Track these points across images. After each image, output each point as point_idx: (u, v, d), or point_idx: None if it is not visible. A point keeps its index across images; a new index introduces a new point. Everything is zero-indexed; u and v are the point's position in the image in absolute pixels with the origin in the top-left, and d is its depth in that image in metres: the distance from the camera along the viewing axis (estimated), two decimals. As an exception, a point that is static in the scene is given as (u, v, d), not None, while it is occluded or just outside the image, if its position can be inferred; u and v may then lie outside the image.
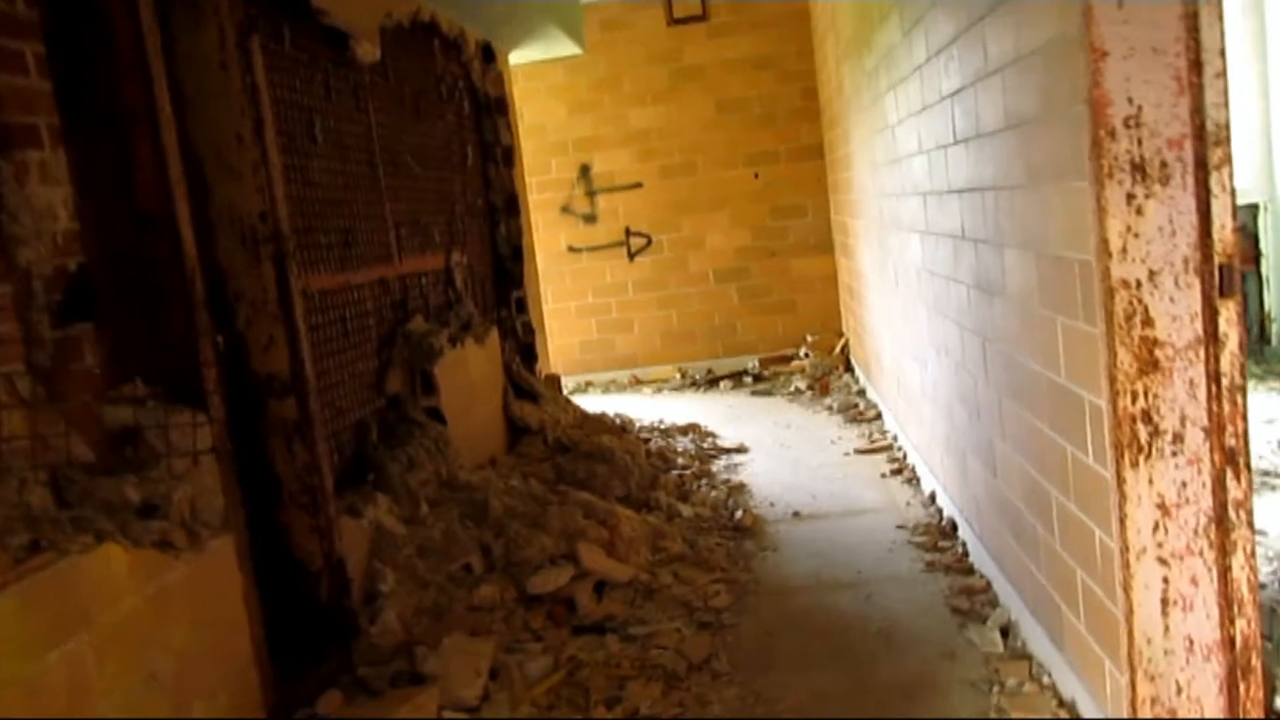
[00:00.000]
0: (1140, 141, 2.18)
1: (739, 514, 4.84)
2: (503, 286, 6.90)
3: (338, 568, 3.51)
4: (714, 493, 5.23)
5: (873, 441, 6.08)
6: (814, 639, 3.53)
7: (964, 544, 4.11)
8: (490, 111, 6.96)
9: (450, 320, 5.48)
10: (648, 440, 6.27)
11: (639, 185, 9.20)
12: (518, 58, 8.18)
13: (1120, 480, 2.27)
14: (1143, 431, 2.24)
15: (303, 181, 4.11)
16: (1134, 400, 2.23)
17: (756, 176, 9.09)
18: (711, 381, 8.73)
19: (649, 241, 9.26)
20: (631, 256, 9.29)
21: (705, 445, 6.37)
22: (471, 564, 3.87)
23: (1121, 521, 2.28)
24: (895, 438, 5.93)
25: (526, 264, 7.18)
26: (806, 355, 8.89)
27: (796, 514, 4.90)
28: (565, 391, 9.09)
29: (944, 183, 3.83)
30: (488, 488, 4.36)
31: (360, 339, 4.50)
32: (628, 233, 9.27)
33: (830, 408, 7.17)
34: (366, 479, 4.10)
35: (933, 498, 4.76)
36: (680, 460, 5.86)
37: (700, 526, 4.72)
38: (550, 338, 9.07)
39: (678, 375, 9.19)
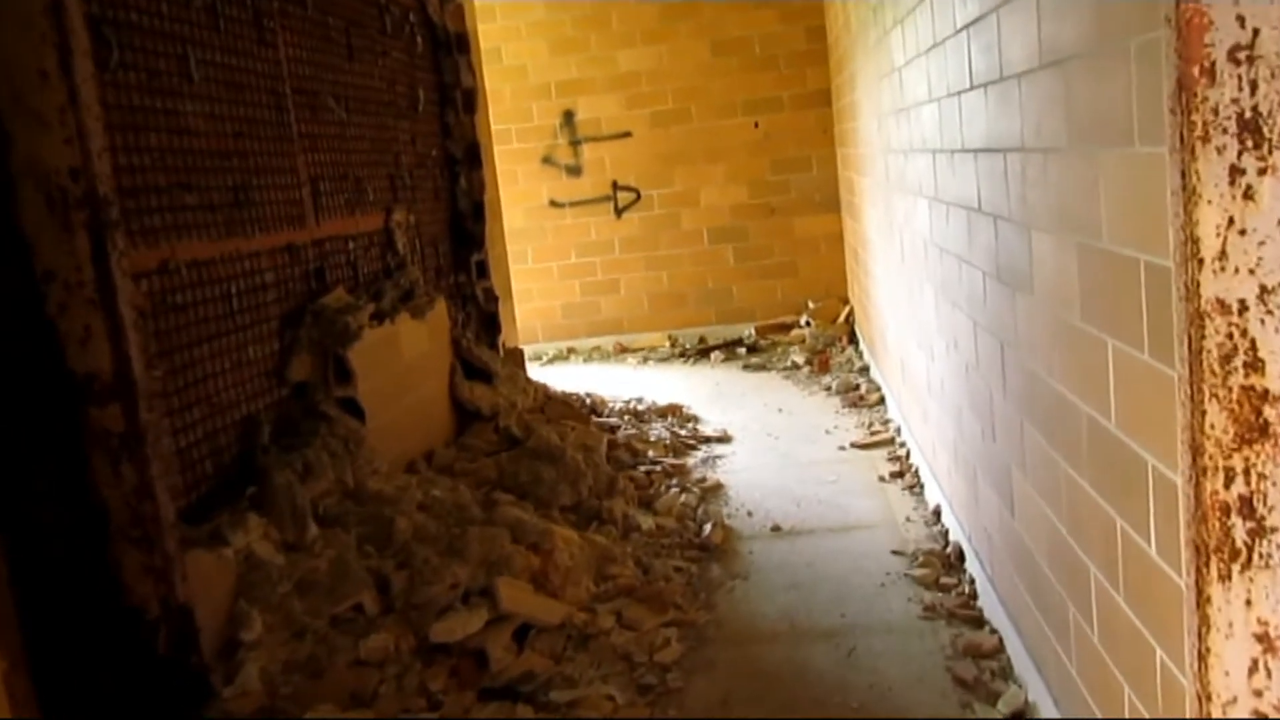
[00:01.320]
0: (1255, 86, 1.40)
1: (708, 528, 4.11)
2: (462, 249, 6.14)
3: (180, 615, 2.80)
4: (684, 497, 4.50)
5: (873, 433, 5.32)
6: (780, 713, 2.82)
7: (972, 581, 3.37)
8: (449, 49, 6.15)
9: (385, 291, 4.73)
10: (617, 429, 5.53)
11: (627, 134, 8.38)
12: None
13: (1202, 596, 1.52)
14: (1240, 529, 1.48)
15: (170, 129, 3.35)
16: (1228, 481, 1.48)
17: (756, 126, 8.25)
18: (702, 352, 7.98)
19: (638, 196, 8.46)
20: (619, 212, 8.50)
21: (684, 432, 5.63)
22: (364, 603, 3.16)
23: (1202, 656, 1.53)
24: (898, 430, 5.18)
25: (492, 222, 6.41)
26: (807, 324, 8.11)
27: (776, 528, 4.17)
28: (545, 360, 8.38)
29: (956, 139, 3.04)
30: (400, 500, 3.63)
31: (254, 318, 3.76)
32: (615, 186, 8.47)
33: (829, 388, 6.41)
34: (246, 493, 3.39)
35: (937, 514, 4.02)
36: (651, 453, 5.13)
37: (661, 544, 4.00)
38: (529, 301, 8.34)
39: (667, 343, 8.43)
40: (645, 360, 8.05)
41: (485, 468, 4.43)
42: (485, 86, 8.29)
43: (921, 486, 4.38)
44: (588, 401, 6.11)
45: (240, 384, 3.64)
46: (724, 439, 5.55)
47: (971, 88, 2.78)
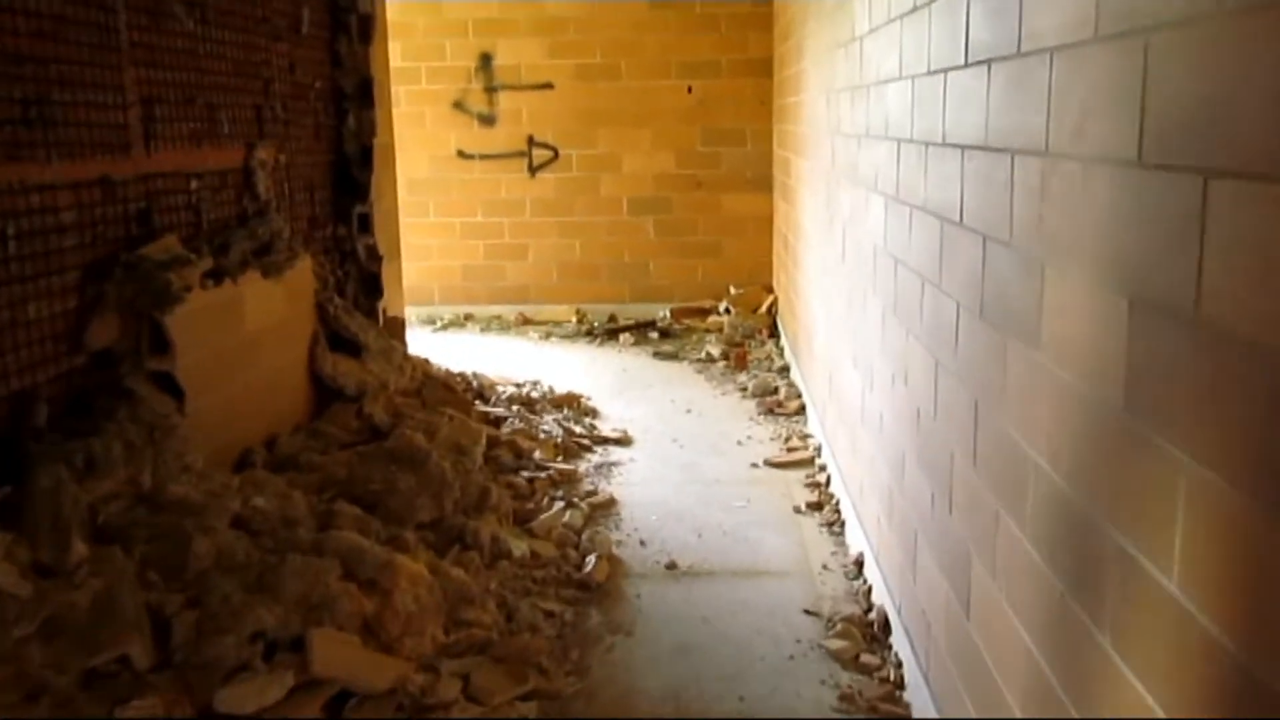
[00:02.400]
0: None
1: (592, 560, 3.47)
2: (344, 198, 5.35)
3: None
4: (569, 514, 3.85)
5: (790, 450, 4.74)
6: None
7: (899, 665, 2.80)
8: (346, -35, 5.32)
9: (233, 242, 3.95)
10: (502, 421, 4.85)
11: (549, 86, 7.62)
12: None
13: None
14: None
15: (-76, 15, 2.54)
16: None
17: (690, 91, 7.57)
18: (611, 333, 7.31)
19: (555, 155, 7.72)
20: (533, 171, 7.75)
21: (579, 430, 4.98)
22: (132, 654, 2.44)
23: None
24: (819, 450, 4.60)
25: (382, 171, 5.63)
26: (727, 311, 7.51)
27: (672, 565, 3.55)
28: (439, 325, 7.64)
29: (935, 128, 2.42)
30: (208, 510, 2.91)
31: (41, 266, 2.97)
32: (530, 142, 7.71)
33: (745, 388, 5.81)
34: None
35: (860, 564, 3.44)
36: (538, 454, 4.46)
37: (533, 578, 3.34)
38: (427, 259, 7.59)
39: (574, 319, 7.74)
40: (548, 336, 7.35)
41: (335, 464, 3.71)
42: (390, 18, 7.46)
43: (843, 525, 3.81)
44: (474, 384, 5.41)
45: (14, 349, 2.87)
46: (623, 441, 4.91)
47: (966, 64, 2.15)
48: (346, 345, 4.70)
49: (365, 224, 5.43)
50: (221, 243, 3.92)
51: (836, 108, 4.05)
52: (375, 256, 5.50)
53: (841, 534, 3.77)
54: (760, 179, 7.63)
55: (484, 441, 4.21)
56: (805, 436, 4.89)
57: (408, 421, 4.16)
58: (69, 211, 3.10)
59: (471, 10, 7.52)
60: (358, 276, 5.48)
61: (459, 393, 4.98)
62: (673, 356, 6.66)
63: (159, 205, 3.58)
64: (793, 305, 6.06)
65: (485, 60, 7.60)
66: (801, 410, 5.29)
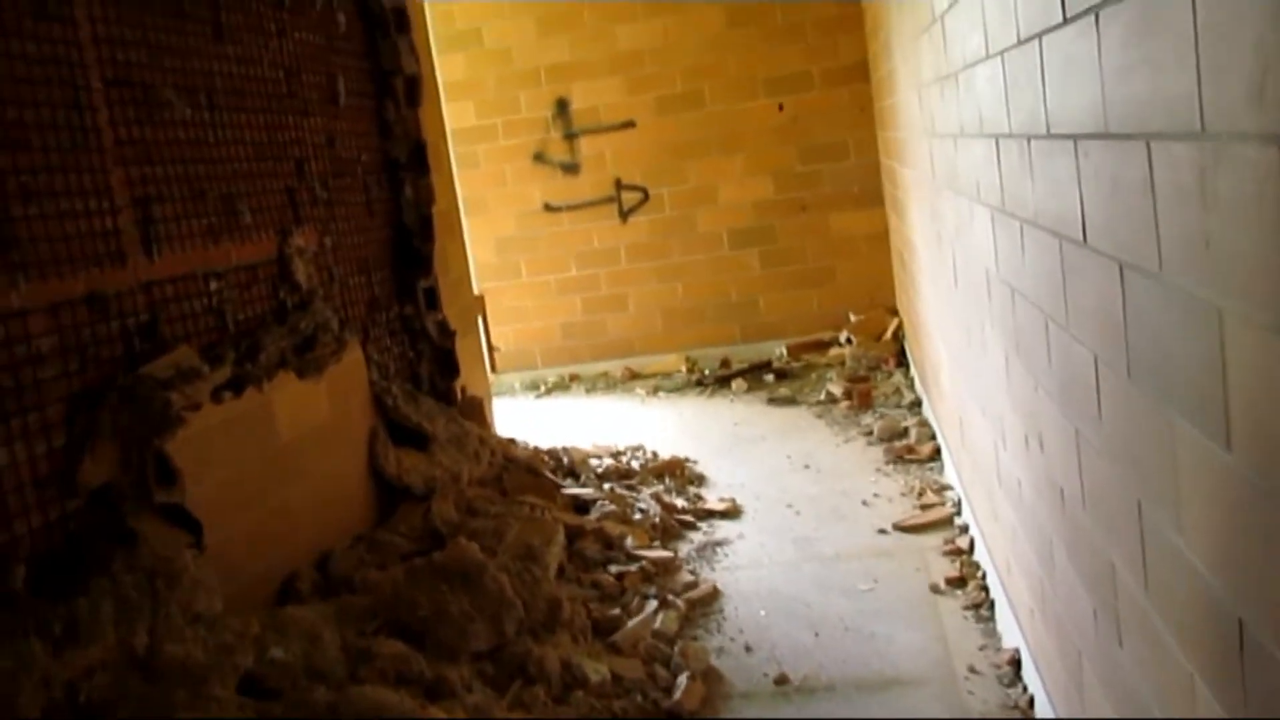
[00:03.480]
0: None
1: (683, 681, 2.89)
2: (408, 273, 4.97)
3: None
4: (661, 616, 3.28)
5: (924, 506, 4.05)
6: None
7: (1074, 820, 2.11)
8: (385, 28, 4.97)
9: (264, 343, 3.57)
10: (591, 504, 4.32)
11: (631, 124, 7.15)
12: None
13: None
14: None
15: None
16: None
17: (781, 108, 6.97)
18: (722, 379, 6.72)
19: (645, 196, 7.23)
20: (624, 215, 7.28)
21: (681, 503, 4.41)
22: None
23: None
24: (958, 506, 3.90)
25: (447, 239, 5.23)
26: (849, 341, 6.82)
27: (782, 680, 2.92)
28: (543, 390, 7.21)
29: (1036, 115, 1.78)
30: (210, 676, 2.47)
31: (12, 405, 2.62)
32: (618, 185, 7.24)
33: (870, 432, 5.13)
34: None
35: (1015, 665, 2.75)
36: (630, 541, 3.91)
37: (611, 710, 2.78)
38: (524, 320, 7.21)
39: (683, 368, 7.19)
40: (656, 390, 6.82)
41: (386, 583, 3.25)
42: (459, 76, 7.15)
43: (991, 606, 3.12)
44: (565, 460, 4.91)
45: (-12, 504, 2.51)
46: (730, 513, 4.32)
47: (1066, 21, 1.52)
48: (411, 437, 4.28)
49: (433, 299, 5.03)
50: (251, 345, 3.54)
51: (929, 104, 3.41)
52: (447, 333, 5.09)
53: (991, 619, 3.08)
54: (869, 192, 6.94)
55: (561, 539, 3.69)
56: (941, 488, 4.19)
57: (472, 522, 3.68)
58: (46, 338, 2.74)
59: (542, 56, 7.13)
60: (431, 356, 5.08)
61: (544, 475, 4.49)
62: (789, 401, 6.02)
63: (168, 314, 3.21)
64: (916, 331, 5.36)
65: (561, 106, 7.19)
66: (936, 454, 4.59)
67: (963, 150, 2.73)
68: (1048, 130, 1.71)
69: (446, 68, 7.19)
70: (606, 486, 4.58)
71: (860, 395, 5.67)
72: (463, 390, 5.14)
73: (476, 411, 4.96)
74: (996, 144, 2.20)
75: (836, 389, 5.96)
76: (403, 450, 4.18)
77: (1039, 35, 1.71)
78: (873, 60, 6.29)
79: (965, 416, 3.47)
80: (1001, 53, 2.02)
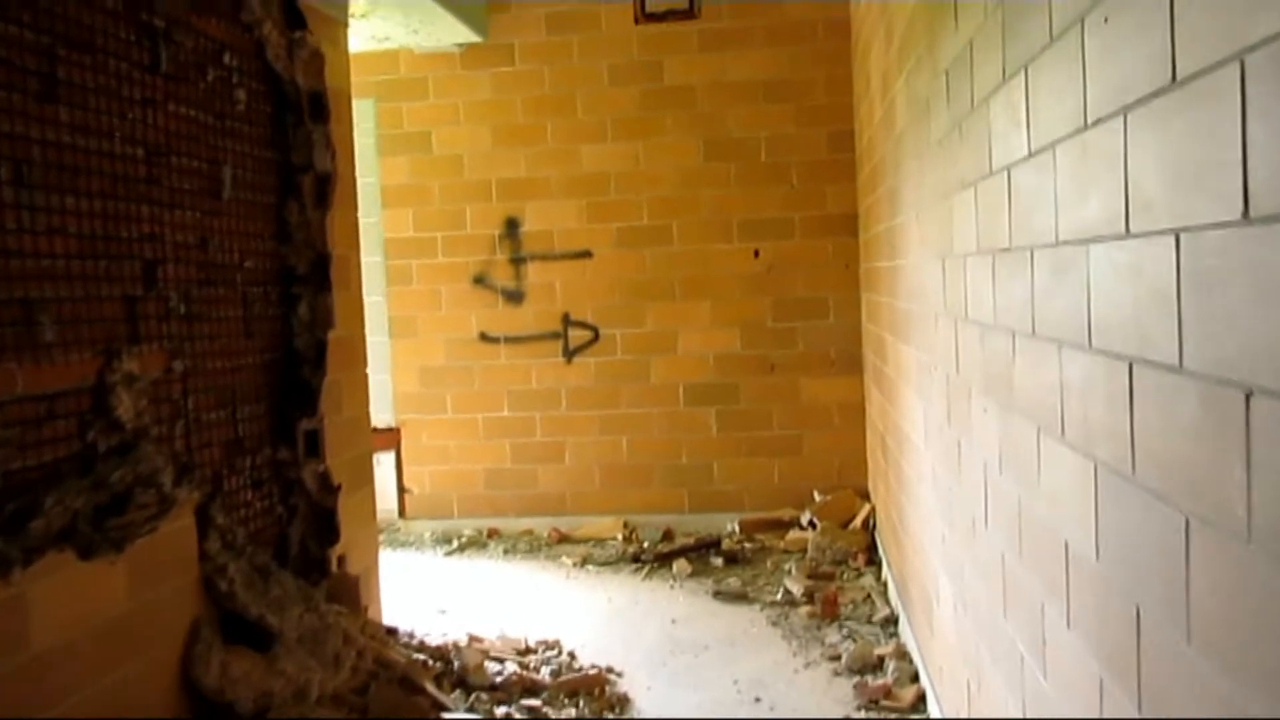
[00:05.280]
0: None
1: None
2: (290, 409, 4.04)
3: None
4: None
5: (906, 790, 3.10)
6: None
7: None
8: (300, 114, 4.15)
9: (46, 505, 2.60)
10: (474, 741, 3.32)
11: (587, 254, 6.36)
12: (376, 41, 5.52)
13: None
14: None
15: None
16: None
17: (757, 255, 6.23)
18: (664, 558, 5.77)
19: (596, 336, 6.40)
20: (569, 355, 6.43)
21: (593, 744, 3.42)
22: None
23: None
24: (953, 800, 2.96)
25: (342, 370, 4.32)
26: (811, 524, 5.94)
27: None
28: (454, 546, 6.21)
29: (1248, 351, 0.93)
30: None
31: None
32: (566, 321, 6.41)
33: (837, 656, 4.20)
34: None
35: None
36: (518, 809, 2.91)
37: None
38: (445, 461, 6.30)
39: (619, 536, 6.24)
40: (585, 562, 5.84)
41: None
42: (404, 180, 6.38)
43: None
44: (455, 663, 3.91)
45: None
46: (656, 768, 3.33)
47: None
48: (252, 632, 3.28)
49: (315, 444, 4.09)
50: (21, 508, 2.58)
51: (960, 279, 2.60)
52: (329, 488, 4.13)
53: None
54: (847, 358, 6.17)
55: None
56: (929, 763, 3.25)
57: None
58: None
59: (495, 169, 6.37)
60: (307, 514, 4.11)
61: (423, 692, 3.48)
62: (740, 597, 5.07)
63: (-116, 467, 2.26)
64: (896, 533, 4.49)
65: (511, 226, 6.40)
66: (921, 701, 3.65)
67: (1032, 356, 1.90)
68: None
69: (388, 171, 6.42)
70: (502, 712, 3.57)
71: (825, 601, 4.74)
72: (340, 561, 4.15)
73: (350, 593, 3.97)
74: (1128, 372, 1.36)
75: (796, 586, 5.04)
76: (236, 652, 3.18)
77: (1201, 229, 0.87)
78: (865, 214, 5.58)
79: (980, 675, 2.57)
80: (1175, 231, 1.19)
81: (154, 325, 3.25)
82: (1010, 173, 2.01)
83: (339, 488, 4.17)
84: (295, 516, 4.06)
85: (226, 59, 3.75)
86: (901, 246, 3.90)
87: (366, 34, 5.57)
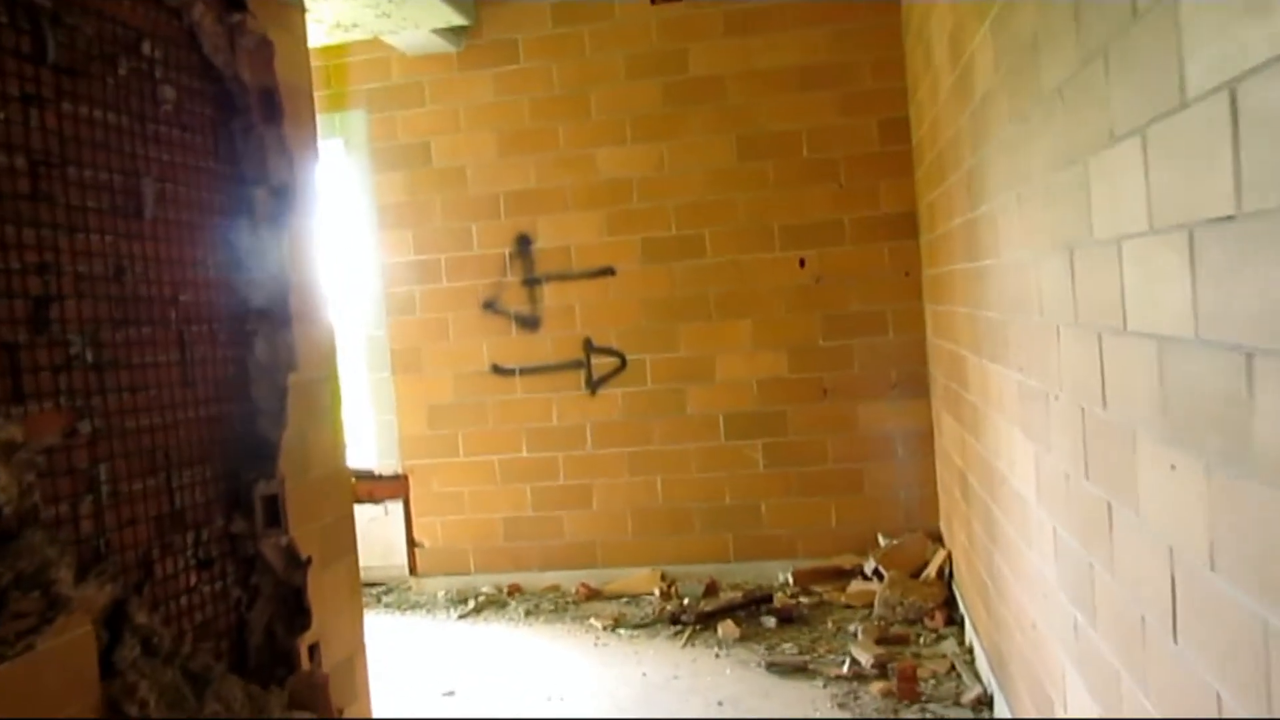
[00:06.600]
0: None
1: None
2: (247, 470, 3.32)
3: None
4: None
5: None
6: None
7: None
8: (248, 117, 3.46)
9: None
10: None
11: (609, 272, 5.63)
12: (343, 30, 4.87)
13: None
14: None
15: None
16: None
17: (803, 265, 5.46)
18: (707, 617, 4.99)
19: (622, 364, 5.65)
20: (593, 386, 5.68)
21: None
22: None
23: None
24: None
25: (309, 422, 3.60)
26: (877, 573, 5.13)
27: None
28: (469, 608, 5.48)
29: None
30: None
31: None
32: (588, 348, 5.68)
33: (921, 751, 3.40)
34: None
35: None
36: None
37: None
38: (459, 511, 5.64)
39: (656, 591, 5.46)
40: (617, 625, 5.06)
41: None
42: (400, 198, 5.71)
43: None
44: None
45: None
46: None
47: None
48: (175, 768, 2.55)
49: (275, 513, 3.37)
50: None
51: (1110, 275, 1.82)
52: (296, 562, 3.40)
53: None
54: (911, 380, 5.37)
55: None
56: None
57: None
58: None
59: (503, 181, 5.67)
60: (273, 595, 3.38)
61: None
62: (798, 670, 4.28)
63: None
64: (986, 595, 3.67)
65: (523, 244, 5.69)
66: (1038, 823, 2.84)
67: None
68: None
69: (383, 188, 5.73)
70: None
71: (902, 677, 3.93)
72: (313, 650, 3.42)
73: (319, 700, 3.23)
74: None
75: (864, 655, 4.23)
76: (149, 796, 2.45)
77: None
78: (928, 211, 4.79)
79: None
80: None
81: (46, 379, 2.53)
82: (1235, 94, 1.24)
83: (308, 562, 3.44)
84: (258, 598, 3.33)
85: (146, 49, 3.04)
86: (988, 243, 3.11)
87: (331, 21, 4.88)
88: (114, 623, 2.61)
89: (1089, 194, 1.89)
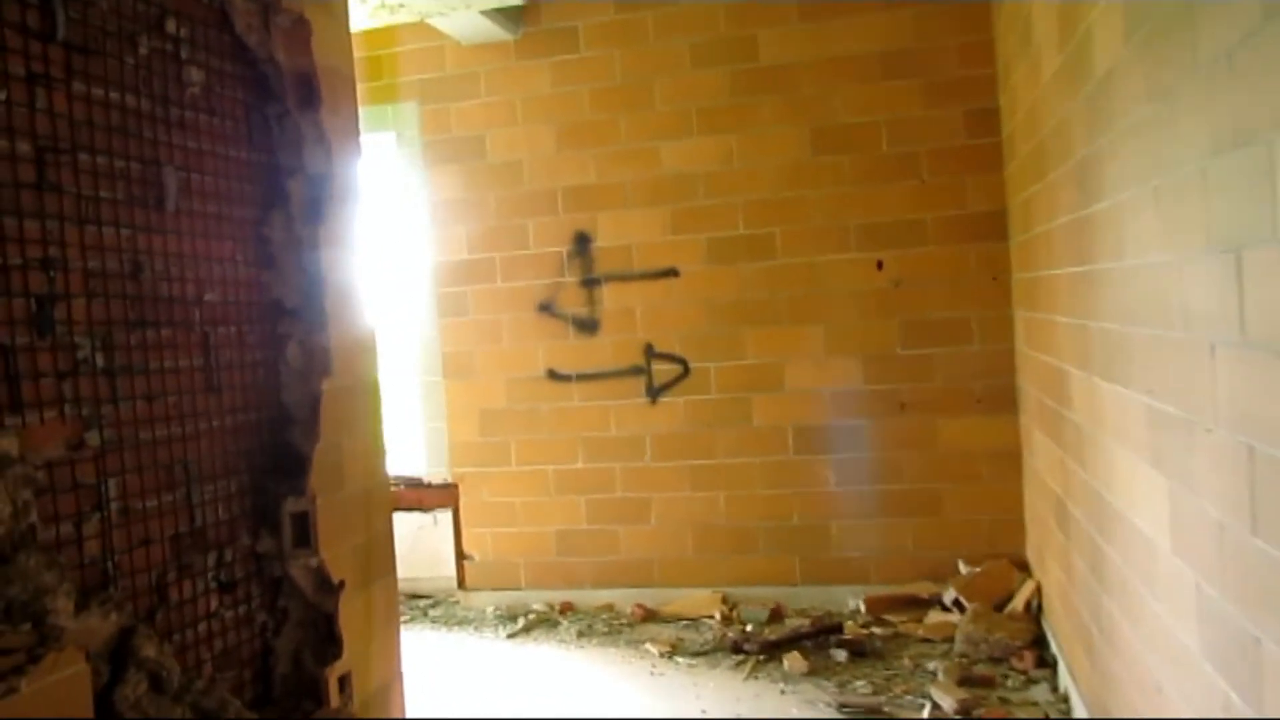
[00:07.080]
0: None
1: None
2: (276, 484, 3.05)
3: None
4: None
5: None
6: None
7: None
8: (283, 104, 3.19)
9: None
10: None
11: (672, 273, 5.30)
12: (388, 10, 4.60)
13: None
14: None
15: None
16: None
17: (881, 267, 5.08)
18: (771, 646, 4.63)
19: (685, 371, 5.32)
20: (654, 395, 5.36)
21: None
22: None
23: None
24: None
25: (341, 433, 3.33)
26: (957, 604, 4.73)
27: None
28: (518, 627, 5.19)
29: None
30: None
31: None
32: (649, 354, 5.36)
33: (1016, 818, 3.01)
34: None
35: None
36: None
37: None
38: (511, 523, 5.35)
39: (717, 614, 5.12)
40: (674, 651, 4.74)
41: None
42: (455, 194, 5.45)
43: None
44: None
45: None
46: None
47: None
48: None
49: (305, 532, 3.10)
50: None
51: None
52: (327, 586, 3.12)
53: None
54: (997, 394, 4.96)
55: None
56: None
57: None
58: None
59: (560, 176, 5.38)
60: (302, 620, 3.11)
61: None
62: (873, 712, 3.91)
63: None
64: (1089, 640, 3.27)
65: (581, 243, 5.38)
66: None
67: None
68: None
69: (435, 184, 5.48)
70: None
71: (991, 725, 3.55)
72: (342, 684, 3.14)
73: (342, 739, 2.94)
74: None
75: (946, 699, 3.85)
76: None
77: None
78: (1022, 209, 4.39)
79: None
80: None
81: (49, 385, 2.27)
82: None
83: (341, 585, 3.16)
84: (286, 624, 3.07)
85: (170, 27, 2.78)
86: (1106, 243, 2.72)
87: (374, 1, 4.61)
88: (116, 658, 2.35)
89: (1273, 181, 1.52)
